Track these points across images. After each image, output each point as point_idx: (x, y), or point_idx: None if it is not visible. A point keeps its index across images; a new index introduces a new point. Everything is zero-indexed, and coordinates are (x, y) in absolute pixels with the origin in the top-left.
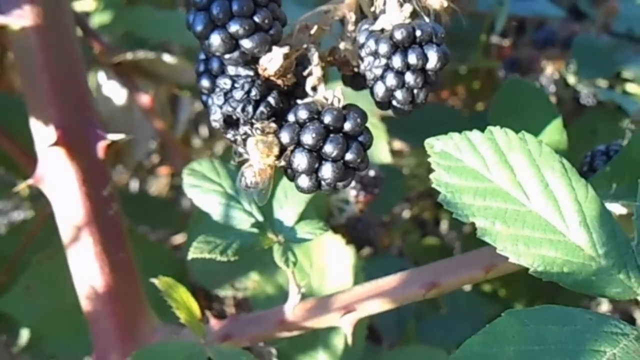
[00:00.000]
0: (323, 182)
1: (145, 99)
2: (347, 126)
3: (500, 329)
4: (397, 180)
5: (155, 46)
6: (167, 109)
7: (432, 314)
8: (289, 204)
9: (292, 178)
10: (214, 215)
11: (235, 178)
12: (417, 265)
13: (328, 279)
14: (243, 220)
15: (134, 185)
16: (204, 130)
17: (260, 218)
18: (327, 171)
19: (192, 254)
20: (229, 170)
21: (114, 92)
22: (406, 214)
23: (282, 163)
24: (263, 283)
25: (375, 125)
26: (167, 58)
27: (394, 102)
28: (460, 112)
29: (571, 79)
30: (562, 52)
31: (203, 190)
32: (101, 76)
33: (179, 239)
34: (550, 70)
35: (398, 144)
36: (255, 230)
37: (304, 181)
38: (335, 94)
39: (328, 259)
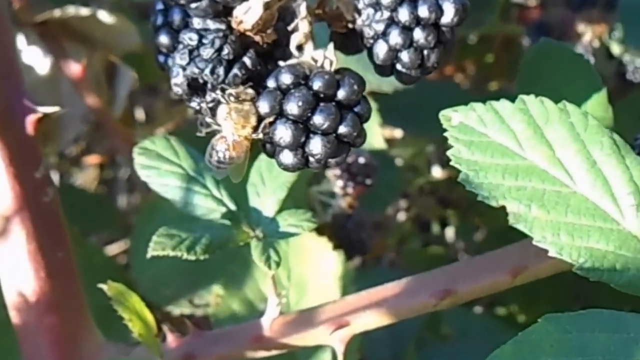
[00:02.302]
0: (311, 158)
1: (75, 68)
2: (341, 94)
3: (536, 338)
4: (391, 173)
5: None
6: (103, 82)
7: (435, 341)
8: (267, 190)
9: (272, 154)
10: (176, 203)
11: (197, 158)
12: None
13: (309, 293)
14: (211, 209)
15: (54, 179)
16: (150, 108)
17: (233, 207)
18: (316, 145)
19: (152, 251)
20: (188, 149)
21: (37, 59)
22: (402, 215)
23: (260, 136)
24: (228, 298)
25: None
26: (104, 16)
27: (399, 66)
28: (467, 92)
29: (616, 49)
30: (604, 15)
31: (160, 173)
32: (21, 39)
33: (115, 247)
34: (588, 37)
35: (388, 131)
36: (226, 222)
37: (288, 157)
38: (326, 54)
39: (310, 269)
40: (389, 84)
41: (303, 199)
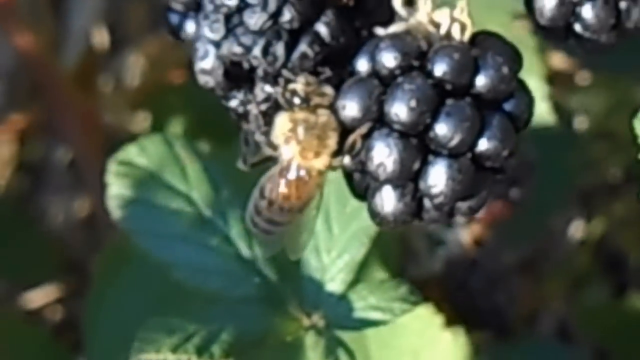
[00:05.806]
0: (428, 202)
1: None
2: (482, 82)
3: None
4: (562, 152)
5: None
6: (43, 5)
7: None
8: (334, 243)
9: (363, 193)
10: (175, 268)
11: (218, 179)
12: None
13: None
14: (237, 279)
15: None
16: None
17: (273, 276)
18: (438, 177)
19: (136, 355)
20: (205, 159)
21: None
22: (576, 229)
23: (346, 161)
24: None
25: (522, 42)
26: None
27: (578, 28)
28: None
29: None
30: None
31: (150, 212)
32: None
33: (41, 295)
34: None
35: (558, 59)
36: (262, 301)
37: (389, 200)
38: (454, 14)
39: None
40: None
41: (393, 236)
